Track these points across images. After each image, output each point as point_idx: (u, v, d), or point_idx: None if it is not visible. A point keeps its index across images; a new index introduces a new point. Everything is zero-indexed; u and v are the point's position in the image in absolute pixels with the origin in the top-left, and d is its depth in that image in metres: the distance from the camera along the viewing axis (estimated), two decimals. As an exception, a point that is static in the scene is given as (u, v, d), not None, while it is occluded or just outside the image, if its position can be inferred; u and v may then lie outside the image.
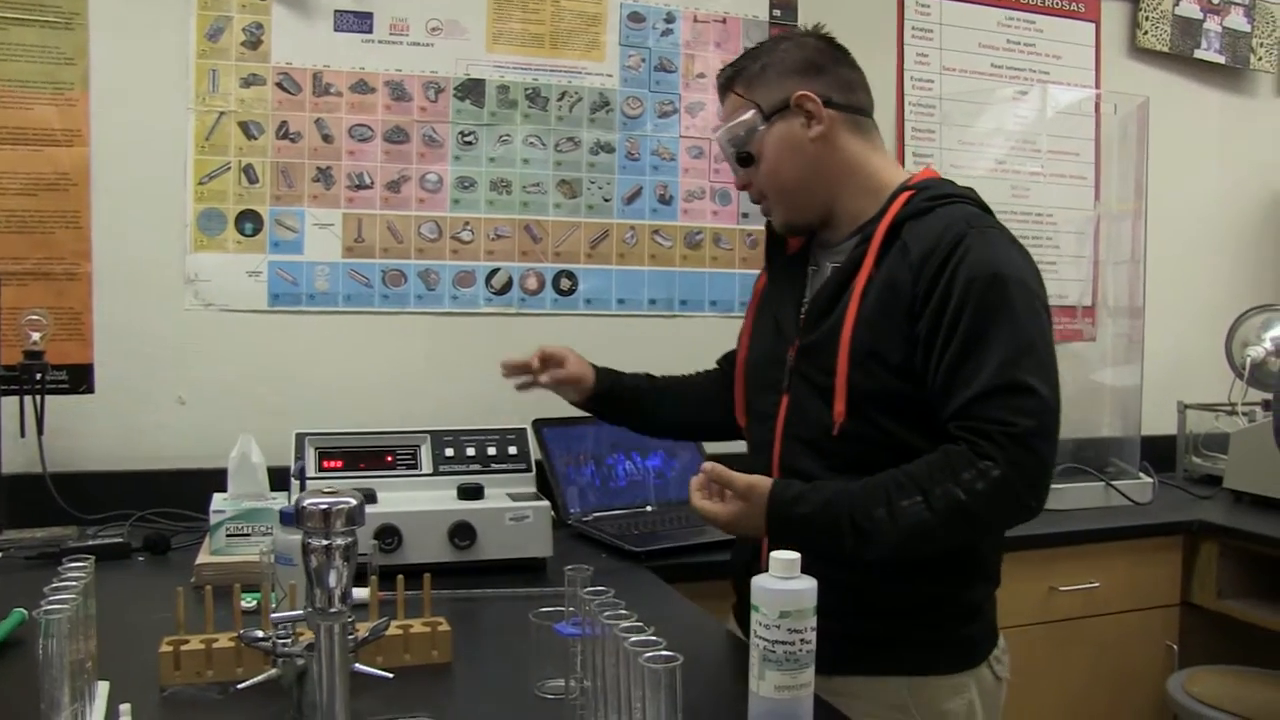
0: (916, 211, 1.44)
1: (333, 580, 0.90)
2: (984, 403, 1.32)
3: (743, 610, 1.62)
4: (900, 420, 1.42)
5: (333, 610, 0.90)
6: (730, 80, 1.58)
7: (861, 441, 1.43)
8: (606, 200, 2.60)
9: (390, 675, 1.16)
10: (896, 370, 1.40)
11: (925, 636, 1.46)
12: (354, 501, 0.90)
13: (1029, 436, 1.31)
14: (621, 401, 1.90)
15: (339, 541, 0.90)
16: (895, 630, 1.35)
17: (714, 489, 1.43)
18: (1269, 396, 2.92)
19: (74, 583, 1.05)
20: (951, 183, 1.52)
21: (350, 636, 1.10)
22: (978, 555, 1.50)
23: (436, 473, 1.96)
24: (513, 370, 1.88)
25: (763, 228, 1.73)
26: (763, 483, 1.40)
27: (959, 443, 1.33)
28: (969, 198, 1.49)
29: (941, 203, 1.45)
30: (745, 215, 2.67)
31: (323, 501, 0.89)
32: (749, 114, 1.54)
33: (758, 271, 1.76)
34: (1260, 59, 3.31)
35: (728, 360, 1.87)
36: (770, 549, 1.35)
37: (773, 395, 1.56)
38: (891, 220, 1.44)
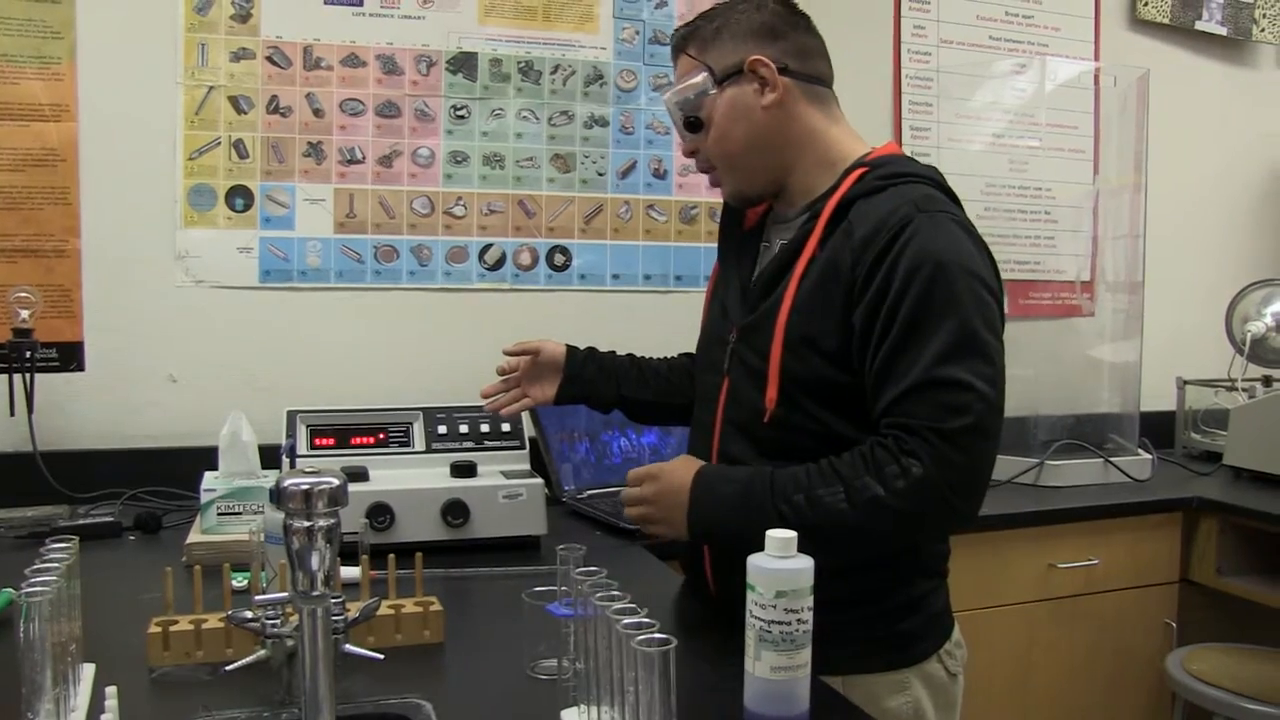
0: (868, 190, 1.37)
1: (315, 563, 0.88)
2: (914, 399, 1.26)
3: (693, 581, 1.62)
4: (833, 409, 1.36)
5: (315, 593, 0.89)
6: (683, 41, 1.50)
7: (792, 429, 1.38)
8: (601, 175, 2.57)
9: (381, 656, 1.15)
10: (831, 357, 1.34)
11: (856, 634, 1.38)
12: (336, 481, 0.88)
13: (960, 435, 1.24)
14: (602, 371, 1.79)
15: (321, 523, 0.88)
16: (821, 628, 1.20)
17: (632, 493, 1.46)
18: (1269, 372, 2.91)
19: (56, 564, 1.03)
20: (912, 160, 1.45)
21: (340, 617, 1.09)
22: (914, 550, 1.44)
23: (429, 450, 1.95)
24: (496, 392, 1.81)
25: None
26: (672, 463, 1.44)
27: (887, 438, 1.27)
28: (927, 177, 1.40)
29: (895, 182, 1.37)
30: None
31: (304, 482, 0.87)
32: (699, 77, 1.46)
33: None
34: (1263, 30, 3.28)
35: None
36: (692, 533, 1.40)
37: (715, 378, 1.52)
38: (840, 198, 1.38)
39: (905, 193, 1.35)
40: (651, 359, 1.85)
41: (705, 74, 1.46)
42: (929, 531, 1.40)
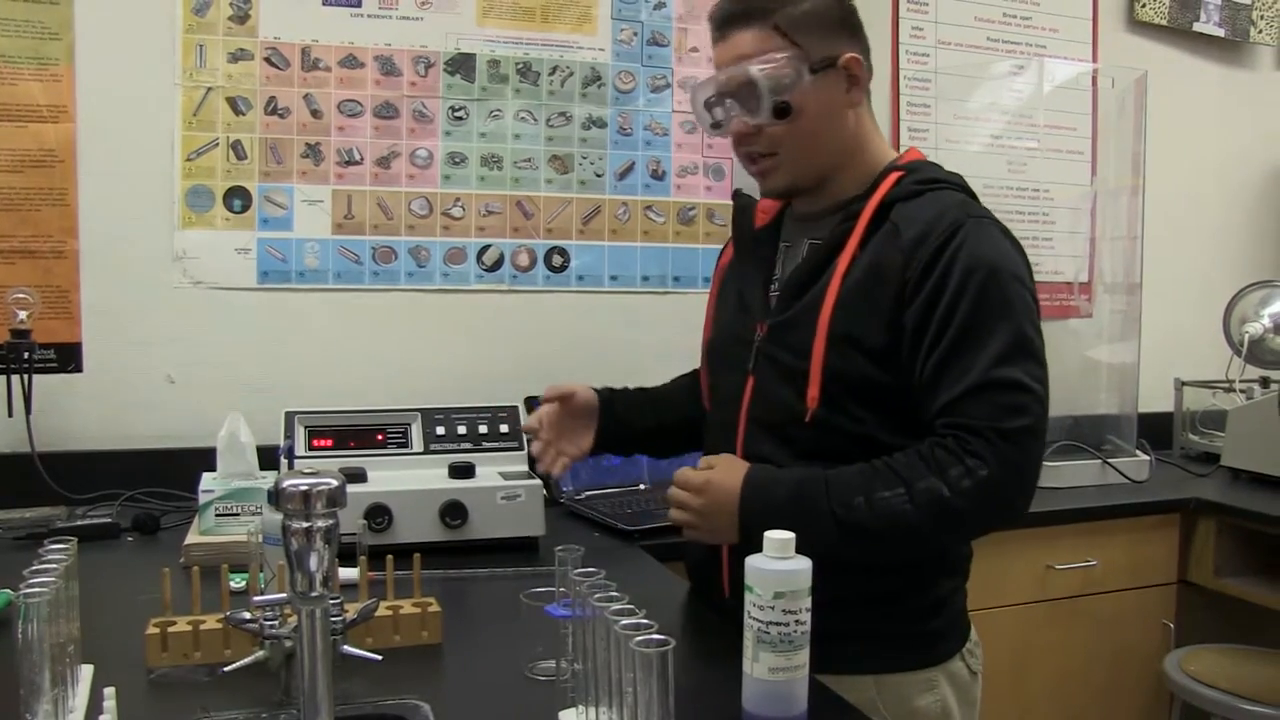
0: (906, 194, 1.38)
1: (313, 563, 0.88)
2: (975, 399, 1.27)
3: (704, 594, 1.58)
4: (873, 410, 1.36)
5: (314, 594, 0.89)
6: (766, 12, 1.38)
7: (830, 430, 1.36)
8: (599, 176, 2.57)
9: (379, 657, 1.15)
10: (874, 356, 1.34)
11: (887, 631, 1.40)
12: (335, 482, 0.88)
13: (1020, 435, 1.27)
14: (629, 408, 1.73)
15: (320, 524, 0.88)
16: (854, 626, 1.29)
17: (679, 495, 1.40)
18: (1267, 373, 2.91)
19: (55, 565, 1.03)
20: (940, 166, 1.47)
21: (338, 618, 1.09)
22: (945, 550, 1.45)
23: (427, 451, 1.94)
24: (534, 431, 1.71)
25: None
26: (719, 471, 1.37)
27: (946, 438, 1.28)
28: (958, 184, 1.43)
29: (932, 187, 1.39)
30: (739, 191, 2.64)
31: (302, 483, 0.87)
32: (789, 57, 1.37)
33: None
34: (1260, 31, 3.28)
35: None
36: (742, 539, 1.33)
37: (736, 376, 1.49)
38: (880, 200, 1.38)
39: (946, 198, 1.37)
40: (653, 387, 1.82)
41: (796, 56, 1.38)
42: (985, 531, 1.38)
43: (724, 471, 1.38)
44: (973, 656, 1.49)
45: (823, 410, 1.36)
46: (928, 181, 1.40)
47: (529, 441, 1.72)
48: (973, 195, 1.43)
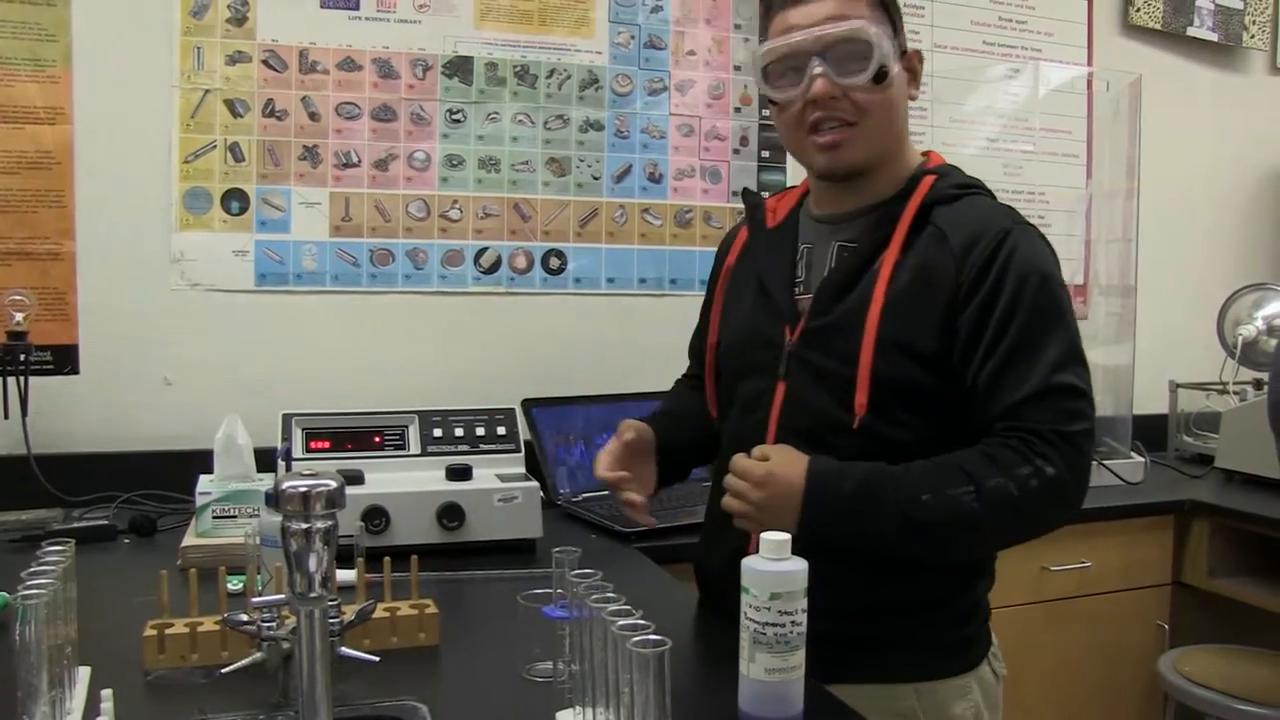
0: (943, 197, 1.38)
1: (313, 564, 0.89)
2: (1038, 403, 1.28)
3: (718, 604, 1.51)
4: (916, 415, 1.34)
5: (313, 595, 0.89)
6: None
7: (872, 437, 1.34)
8: (596, 178, 2.58)
9: (376, 659, 1.15)
10: (924, 361, 1.33)
11: (927, 638, 1.39)
12: (334, 484, 0.89)
13: (1079, 438, 1.29)
14: (668, 431, 1.62)
15: (319, 525, 0.88)
16: (895, 633, 1.30)
17: (737, 484, 1.33)
18: (1261, 375, 2.92)
19: (52, 566, 1.04)
20: (962, 170, 1.46)
21: (336, 620, 1.09)
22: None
23: (425, 453, 1.95)
24: (623, 483, 1.54)
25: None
26: (779, 463, 1.31)
27: (1011, 439, 1.28)
28: (985, 188, 1.44)
29: (965, 192, 1.40)
30: (735, 194, 2.65)
31: (301, 484, 0.88)
32: (885, 30, 1.36)
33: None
34: (1253, 36, 3.30)
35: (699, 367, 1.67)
36: (800, 533, 1.24)
37: (763, 382, 1.44)
38: (920, 203, 1.37)
39: (982, 203, 1.39)
40: (668, 407, 1.72)
41: (891, 33, 1.37)
42: (1046, 531, 1.38)
43: (784, 463, 1.32)
44: (997, 660, 1.48)
45: (868, 416, 1.34)
46: (961, 186, 1.40)
47: (613, 493, 1.56)
48: (994, 199, 1.44)
